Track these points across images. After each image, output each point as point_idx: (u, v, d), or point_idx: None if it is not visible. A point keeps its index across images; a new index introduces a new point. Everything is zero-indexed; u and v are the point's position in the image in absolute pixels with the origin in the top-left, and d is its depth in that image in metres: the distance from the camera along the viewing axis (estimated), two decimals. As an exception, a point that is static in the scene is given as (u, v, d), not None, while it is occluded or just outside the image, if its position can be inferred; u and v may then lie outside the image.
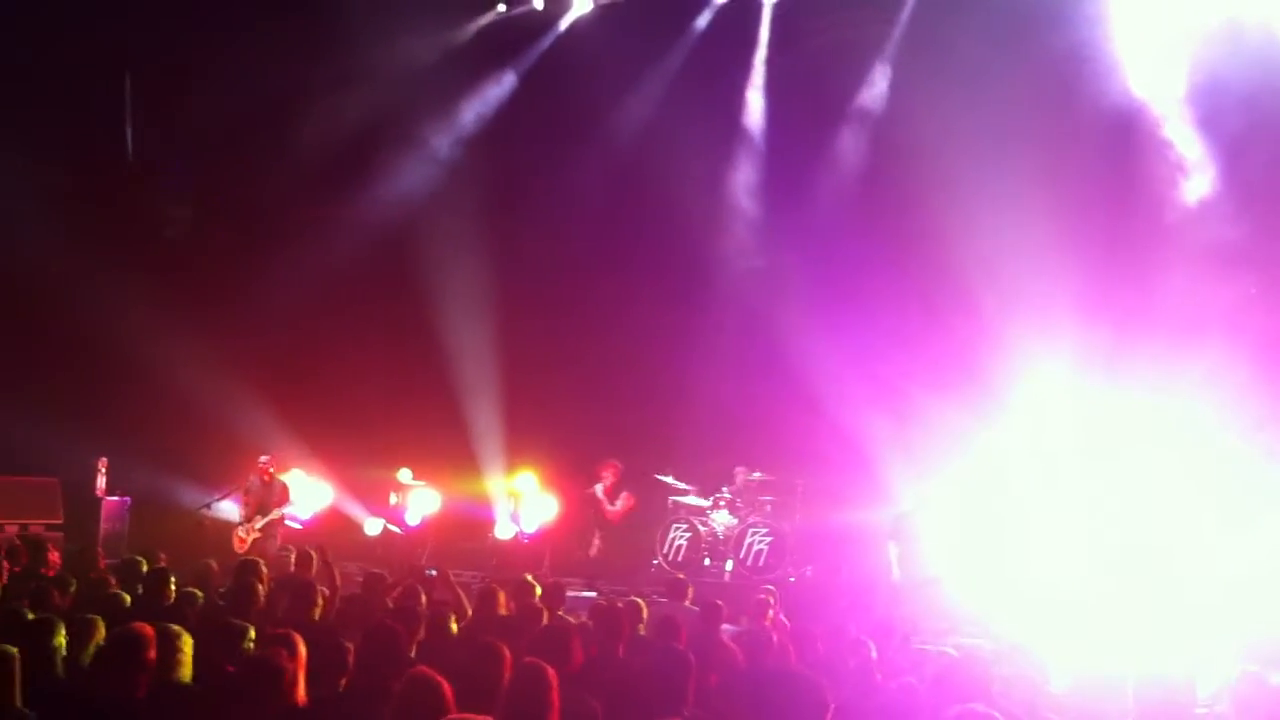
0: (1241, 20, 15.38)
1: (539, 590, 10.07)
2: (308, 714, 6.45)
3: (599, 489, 16.86)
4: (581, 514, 17.07)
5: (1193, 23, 15.74)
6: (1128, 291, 15.67)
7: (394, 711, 5.52)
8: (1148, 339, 14.94)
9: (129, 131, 18.89)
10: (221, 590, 10.16)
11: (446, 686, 5.50)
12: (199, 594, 9.57)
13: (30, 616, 7.61)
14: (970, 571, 14.37)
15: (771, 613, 10.54)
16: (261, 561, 10.64)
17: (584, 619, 9.36)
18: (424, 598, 9.67)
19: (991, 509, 15.00)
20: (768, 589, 11.27)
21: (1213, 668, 9.53)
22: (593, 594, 15.10)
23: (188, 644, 6.57)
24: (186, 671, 6.51)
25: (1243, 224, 15.07)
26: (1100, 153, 16.18)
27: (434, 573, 11.05)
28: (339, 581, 10.84)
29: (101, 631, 7.19)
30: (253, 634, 7.32)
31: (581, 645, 7.41)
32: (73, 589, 9.62)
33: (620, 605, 9.35)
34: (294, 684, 6.47)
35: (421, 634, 8.23)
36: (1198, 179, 15.69)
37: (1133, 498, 14.23)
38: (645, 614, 9.80)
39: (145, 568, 10.28)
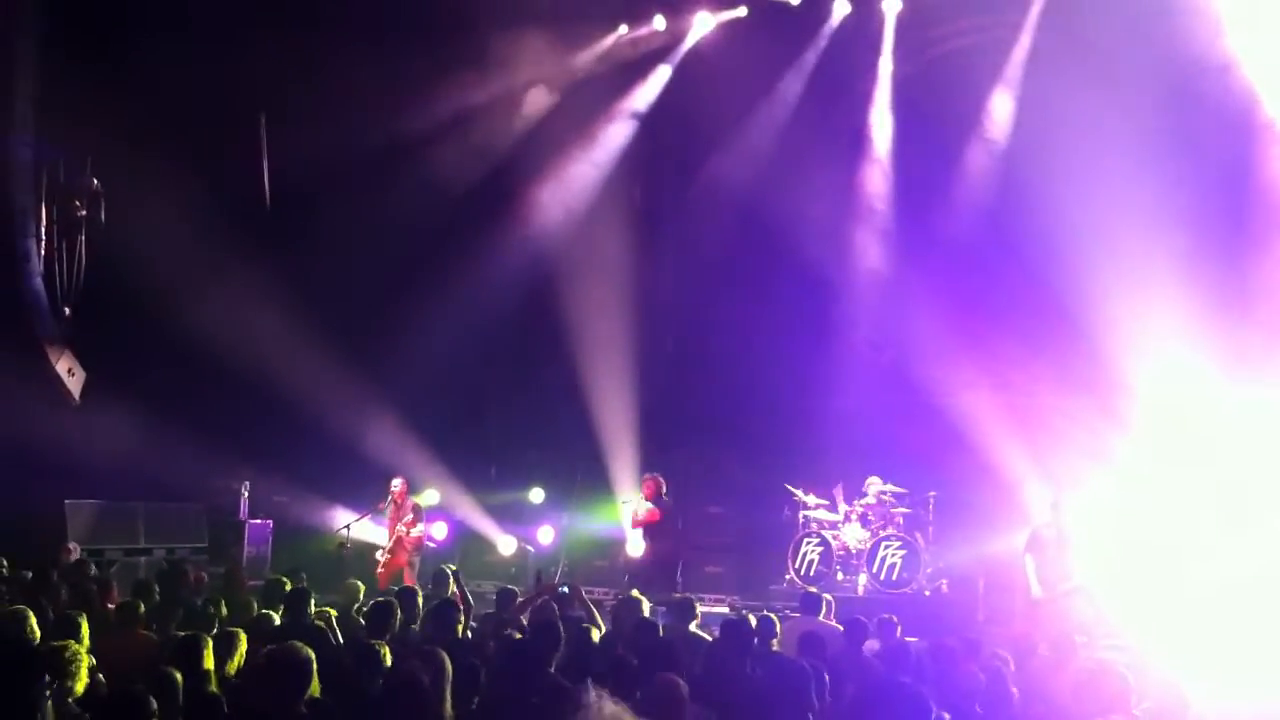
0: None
1: (646, 606, 10.16)
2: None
3: (633, 499, 16.63)
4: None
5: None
6: (1269, 296, 15.27)
7: None
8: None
9: (265, 167, 19.37)
10: (363, 611, 10.37)
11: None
12: (332, 613, 9.78)
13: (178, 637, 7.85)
14: (1111, 584, 14.09)
15: (899, 630, 10.47)
16: (417, 587, 10.82)
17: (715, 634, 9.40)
18: (559, 614, 9.80)
19: (1131, 518, 14.70)
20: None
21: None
22: (725, 610, 15.12)
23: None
24: (315, 686, 6.66)
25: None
26: (1239, 153, 15.84)
27: (566, 590, 11.15)
28: (470, 600, 11.01)
29: (243, 647, 7.38)
30: (387, 653, 7.45)
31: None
32: (222, 611, 9.89)
33: (754, 620, 9.40)
34: (441, 700, 6.60)
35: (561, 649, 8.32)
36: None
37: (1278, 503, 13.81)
38: (779, 629, 9.84)
39: (288, 588, 10.50)
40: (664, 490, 16.17)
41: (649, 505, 16.18)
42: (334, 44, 17.39)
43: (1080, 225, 15.38)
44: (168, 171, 17.06)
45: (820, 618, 10.90)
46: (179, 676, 6.44)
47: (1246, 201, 15.71)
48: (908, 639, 10.19)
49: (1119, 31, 16.01)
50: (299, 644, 6.66)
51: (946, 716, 6.26)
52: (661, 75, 20.15)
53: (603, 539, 18.63)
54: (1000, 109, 18.00)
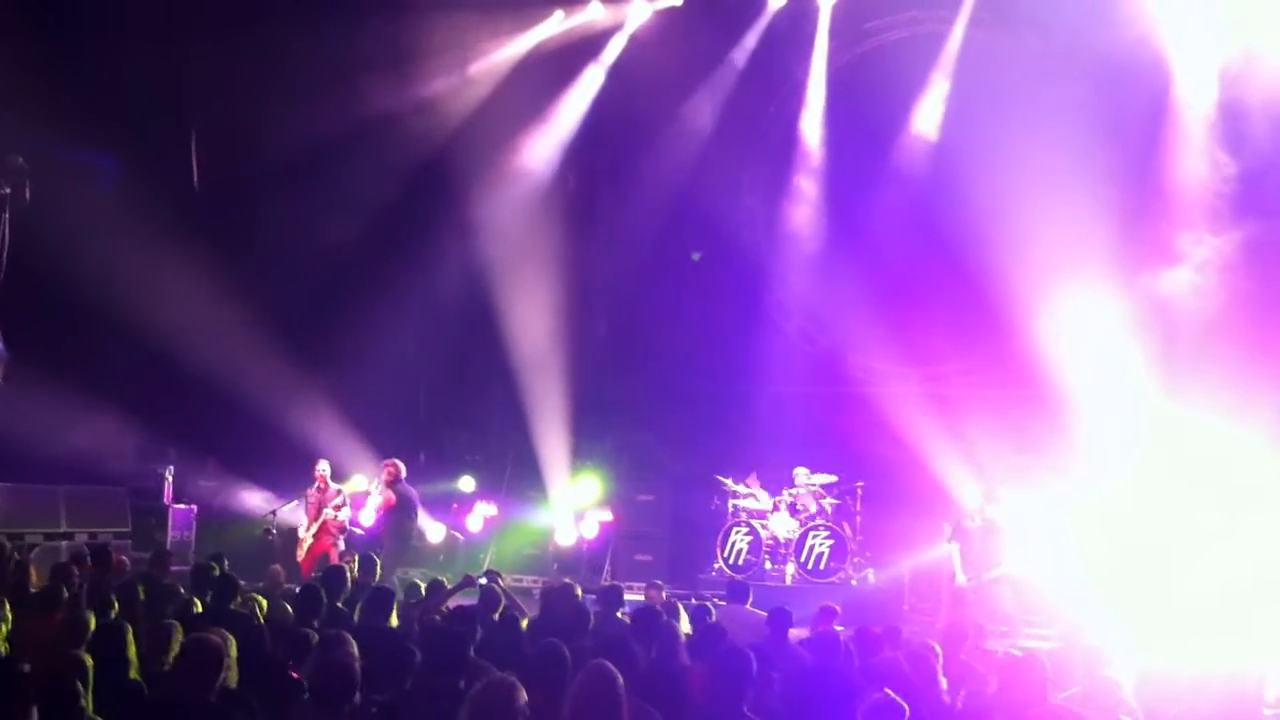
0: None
1: (580, 591, 10.13)
2: (377, 715, 6.51)
3: (376, 484, 16.46)
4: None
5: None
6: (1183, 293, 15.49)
7: (470, 713, 5.39)
8: (1211, 339, 14.79)
9: (194, 148, 19.17)
10: (289, 595, 10.28)
11: (520, 690, 5.43)
12: (262, 600, 9.68)
13: (98, 622, 7.71)
14: (1035, 571, 14.25)
15: (838, 623, 10.50)
16: (347, 569, 10.76)
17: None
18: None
19: (1056, 506, 14.87)
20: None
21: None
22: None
23: (233, 649, 6.65)
24: (234, 676, 6.60)
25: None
26: (1163, 143, 16.06)
27: (483, 580, 11.08)
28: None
29: (179, 637, 7.24)
30: (315, 639, 7.39)
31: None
32: (142, 596, 9.75)
33: (662, 605, 9.43)
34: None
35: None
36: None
37: (1200, 491, 13.98)
38: (714, 617, 9.87)
39: (216, 573, 10.40)
40: (402, 475, 16.02)
41: (387, 490, 16.03)
42: (271, 35, 17.16)
43: (1011, 217, 15.51)
44: (96, 153, 16.80)
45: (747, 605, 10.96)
46: (90, 661, 6.31)
47: (1165, 190, 15.92)
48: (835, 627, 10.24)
49: (1050, 24, 16.18)
50: (213, 634, 6.58)
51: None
52: (598, 63, 20.05)
53: (533, 526, 18.58)
54: (933, 101, 18.09)
